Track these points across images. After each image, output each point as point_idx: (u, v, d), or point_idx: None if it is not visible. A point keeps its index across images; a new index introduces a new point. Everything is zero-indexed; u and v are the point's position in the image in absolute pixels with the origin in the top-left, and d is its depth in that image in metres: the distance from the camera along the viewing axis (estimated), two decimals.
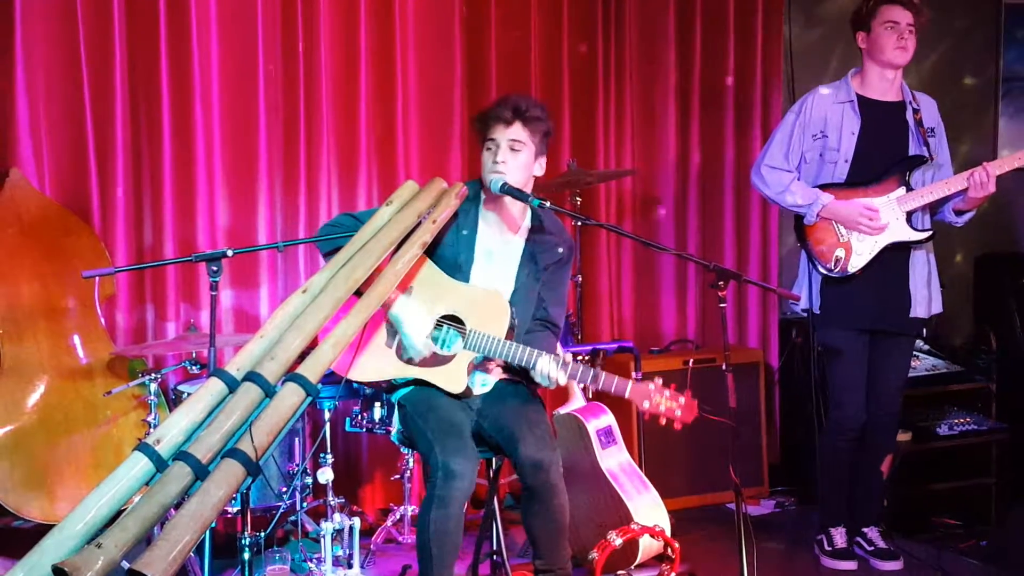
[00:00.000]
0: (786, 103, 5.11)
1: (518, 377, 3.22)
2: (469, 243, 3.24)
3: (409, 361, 3.12)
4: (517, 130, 3.16)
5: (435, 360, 3.11)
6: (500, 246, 3.27)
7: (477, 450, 3.03)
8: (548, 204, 3.12)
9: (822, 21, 5.41)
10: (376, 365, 3.13)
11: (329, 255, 3.13)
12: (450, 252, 3.22)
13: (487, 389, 3.22)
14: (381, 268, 2.99)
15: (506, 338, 3.07)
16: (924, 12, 3.80)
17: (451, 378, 3.09)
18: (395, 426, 3.28)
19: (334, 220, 3.28)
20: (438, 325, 3.13)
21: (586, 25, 4.92)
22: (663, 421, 2.96)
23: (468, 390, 3.14)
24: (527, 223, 3.31)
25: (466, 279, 3.20)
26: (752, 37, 5.16)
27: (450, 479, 2.87)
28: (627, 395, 2.97)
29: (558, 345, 3.38)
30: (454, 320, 3.13)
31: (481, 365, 3.19)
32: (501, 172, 3.14)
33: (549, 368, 3.00)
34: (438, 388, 3.10)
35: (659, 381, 2.97)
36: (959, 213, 3.87)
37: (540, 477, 2.99)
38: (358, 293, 2.90)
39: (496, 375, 3.23)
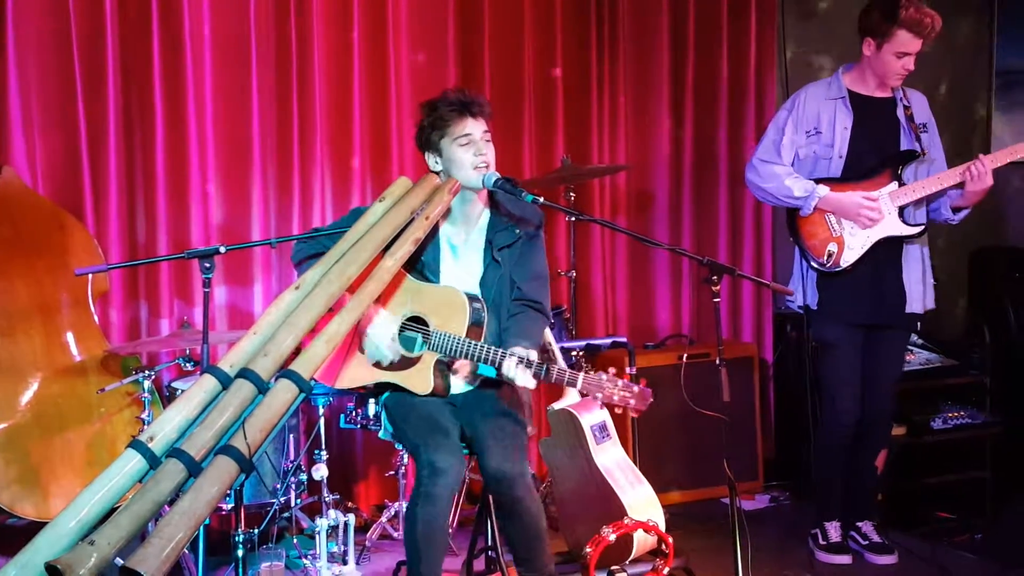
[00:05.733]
0: (780, 97, 5.11)
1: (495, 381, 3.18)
2: (434, 241, 3.20)
3: (379, 365, 3.12)
4: (484, 121, 3.13)
5: (403, 363, 3.11)
6: (463, 239, 3.24)
7: (462, 446, 3.01)
8: (542, 199, 3.10)
9: (817, 12, 5.40)
10: (351, 373, 3.15)
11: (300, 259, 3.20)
12: (418, 251, 3.16)
13: (473, 385, 3.20)
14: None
15: (469, 335, 3.03)
16: (935, 30, 3.70)
17: (417, 380, 3.09)
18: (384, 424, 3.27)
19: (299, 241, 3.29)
20: (403, 328, 3.12)
21: (580, 19, 4.91)
22: (618, 411, 2.92)
23: (440, 389, 3.10)
24: (486, 212, 3.25)
25: (436, 276, 3.18)
26: (746, 30, 5.16)
27: (436, 476, 2.87)
28: (579, 387, 2.91)
29: (547, 329, 3.34)
30: (419, 322, 3.12)
31: (449, 366, 3.15)
32: (489, 164, 3.11)
33: (510, 370, 2.92)
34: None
35: (611, 371, 2.92)
36: (956, 210, 3.86)
37: (503, 489, 2.96)
38: (330, 310, 2.88)
39: (463, 375, 3.17)
